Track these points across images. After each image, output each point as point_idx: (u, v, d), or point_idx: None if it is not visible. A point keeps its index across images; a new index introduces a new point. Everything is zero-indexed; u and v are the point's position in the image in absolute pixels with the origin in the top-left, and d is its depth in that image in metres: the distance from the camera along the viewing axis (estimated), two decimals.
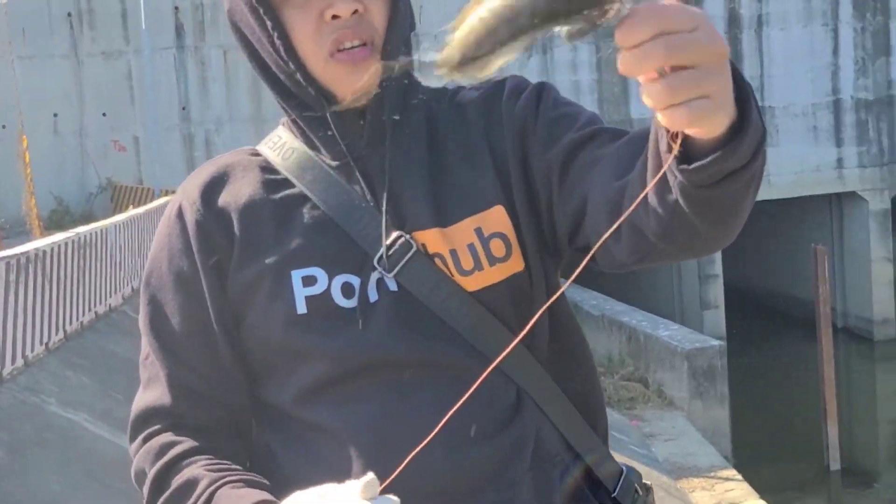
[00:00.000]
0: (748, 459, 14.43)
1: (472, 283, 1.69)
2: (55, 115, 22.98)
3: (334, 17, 1.67)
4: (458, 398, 1.48)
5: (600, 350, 15.14)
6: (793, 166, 22.88)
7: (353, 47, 1.69)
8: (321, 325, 1.69)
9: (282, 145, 1.81)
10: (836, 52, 24.01)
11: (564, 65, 23.22)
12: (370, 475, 1.40)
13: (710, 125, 1.19)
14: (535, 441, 1.70)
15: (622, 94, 23.05)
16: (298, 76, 1.72)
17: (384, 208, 1.72)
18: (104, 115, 23.27)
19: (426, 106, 1.81)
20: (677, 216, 1.37)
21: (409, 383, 1.67)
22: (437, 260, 1.70)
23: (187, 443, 1.71)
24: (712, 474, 11.50)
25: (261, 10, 1.70)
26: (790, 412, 18.36)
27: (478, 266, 1.70)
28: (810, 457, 15.71)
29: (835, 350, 16.88)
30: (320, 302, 1.69)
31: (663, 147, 1.29)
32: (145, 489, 1.70)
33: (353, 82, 1.67)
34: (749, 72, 23.06)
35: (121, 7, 23.23)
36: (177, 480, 1.67)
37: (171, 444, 1.71)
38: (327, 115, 1.74)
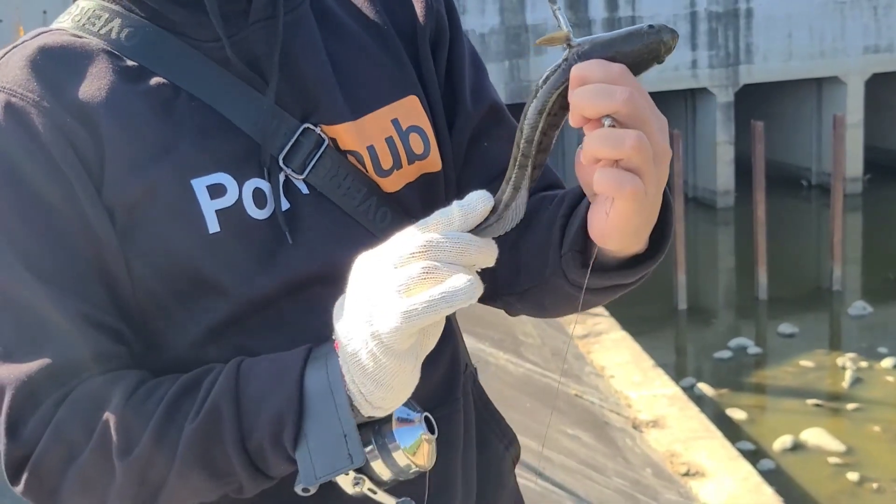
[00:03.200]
0: (614, 300, 17.15)
1: (390, 184, 1.37)
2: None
3: None
4: None
5: None
6: (656, 66, 24.34)
7: None
8: (238, 247, 1.26)
9: (112, 24, 1.29)
10: None
11: None
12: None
13: (628, 217, 1.11)
14: (456, 351, 1.51)
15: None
16: None
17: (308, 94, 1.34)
18: None
19: None
20: (538, 290, 1.38)
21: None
22: (350, 157, 1.34)
23: (128, 376, 1.21)
24: (585, 311, 13.42)
25: None
26: None
27: (396, 164, 1.37)
28: (663, 298, 16.80)
29: (685, 214, 18.48)
30: (234, 216, 1.25)
31: (568, 245, 1.28)
32: (83, 458, 1.17)
33: None
34: None
35: None
36: (152, 404, 1.16)
37: (111, 383, 1.19)
38: None
